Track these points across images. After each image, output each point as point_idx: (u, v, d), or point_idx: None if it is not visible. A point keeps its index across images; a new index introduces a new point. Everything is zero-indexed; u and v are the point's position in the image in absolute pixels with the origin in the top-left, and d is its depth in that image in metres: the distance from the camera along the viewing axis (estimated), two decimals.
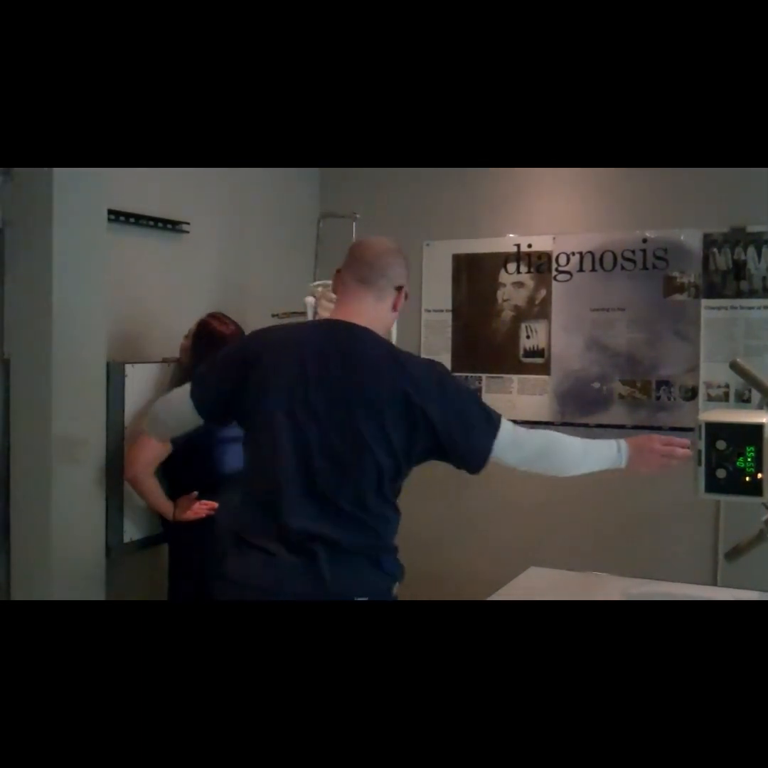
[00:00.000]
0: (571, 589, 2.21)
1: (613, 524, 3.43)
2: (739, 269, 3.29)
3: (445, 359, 3.74)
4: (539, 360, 3.65)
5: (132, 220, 2.96)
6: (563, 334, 3.60)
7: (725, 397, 3.31)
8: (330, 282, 3.01)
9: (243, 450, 1.95)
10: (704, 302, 3.35)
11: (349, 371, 1.80)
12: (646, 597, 2.15)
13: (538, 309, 3.65)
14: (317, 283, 3.07)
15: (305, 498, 1.79)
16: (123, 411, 2.75)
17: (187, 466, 2.66)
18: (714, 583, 3.14)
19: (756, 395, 2.40)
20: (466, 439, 1.84)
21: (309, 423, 1.79)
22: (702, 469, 1.87)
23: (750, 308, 3.27)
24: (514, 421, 1.93)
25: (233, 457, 2.69)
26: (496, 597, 2.10)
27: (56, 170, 2.43)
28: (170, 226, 3.15)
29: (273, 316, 3.22)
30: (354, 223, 3.25)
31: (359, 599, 1.75)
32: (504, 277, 3.71)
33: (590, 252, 3.54)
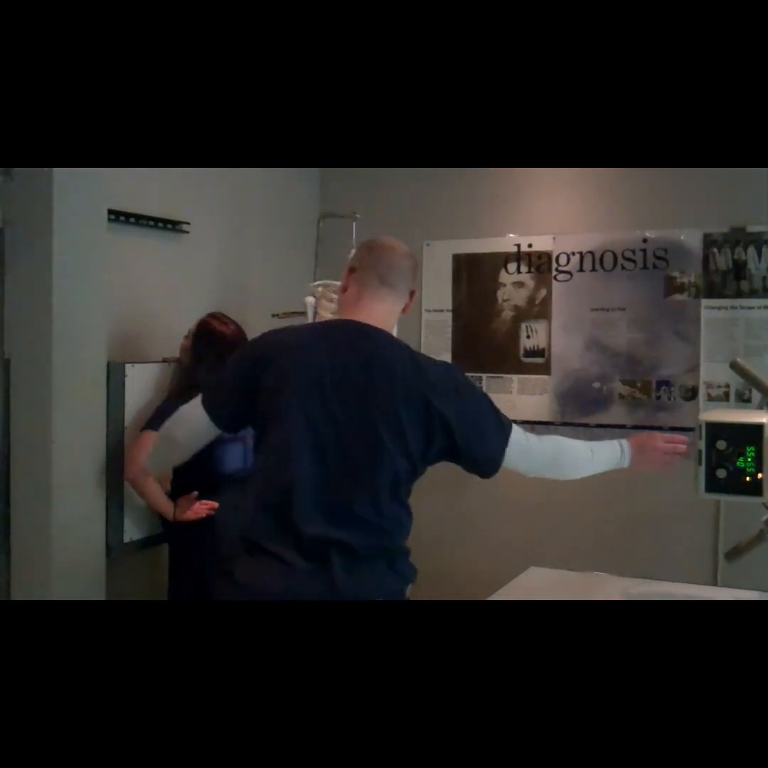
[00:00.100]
0: (571, 589, 2.21)
1: (613, 524, 3.43)
2: (739, 269, 3.29)
3: (445, 359, 3.73)
4: (539, 360, 3.65)
5: (132, 220, 2.96)
6: (563, 334, 3.60)
7: (725, 397, 3.31)
8: (330, 282, 3.03)
9: (255, 453, 1.91)
10: (704, 302, 3.35)
11: (367, 373, 1.76)
12: (646, 597, 2.15)
13: (539, 309, 3.65)
14: (317, 283, 3.07)
15: (320, 502, 1.74)
16: (123, 411, 2.76)
17: (187, 466, 2.64)
18: (714, 583, 3.14)
19: (756, 395, 2.40)
20: (481, 444, 1.82)
21: (325, 425, 1.75)
22: (702, 469, 1.87)
23: (750, 308, 3.27)
24: (515, 421, 1.93)
25: (233, 457, 2.69)
26: (496, 597, 2.10)
27: (56, 170, 2.43)
28: (170, 226, 3.15)
29: (273, 316, 3.23)
30: (354, 223, 3.25)
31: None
32: (504, 277, 3.71)
33: (590, 252, 3.54)
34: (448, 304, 3.80)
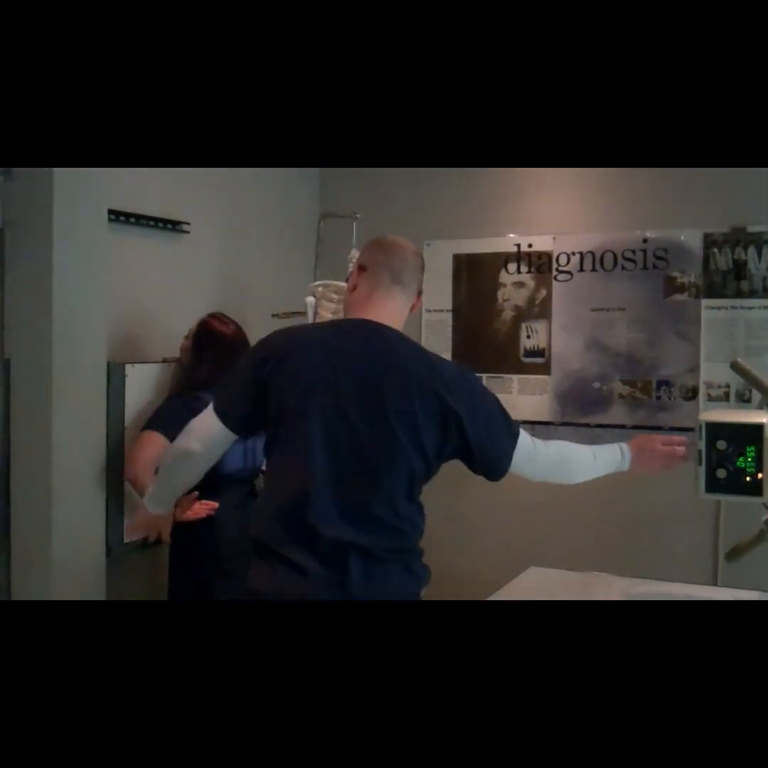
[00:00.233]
0: (571, 589, 2.21)
1: (613, 524, 3.43)
2: (739, 269, 3.29)
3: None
4: (539, 360, 3.64)
5: (132, 220, 2.96)
6: (563, 334, 3.60)
7: (726, 397, 3.31)
8: (330, 282, 3.03)
9: (267, 454, 1.87)
10: (704, 302, 3.35)
11: (382, 372, 1.75)
12: (646, 597, 2.15)
13: (539, 309, 3.65)
14: (317, 283, 3.07)
15: (336, 503, 1.72)
16: (123, 411, 2.76)
17: None
18: (714, 583, 3.14)
19: (756, 395, 2.40)
20: (492, 446, 1.82)
21: (340, 425, 1.73)
22: (702, 469, 1.87)
23: (750, 308, 3.27)
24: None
25: (233, 457, 2.69)
26: (496, 597, 2.10)
27: (56, 170, 2.43)
28: (170, 226, 3.15)
29: (273, 316, 3.23)
30: (354, 223, 3.25)
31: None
32: (504, 277, 3.71)
33: (590, 252, 3.54)
34: (448, 304, 3.80)
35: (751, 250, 3.27)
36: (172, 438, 2.49)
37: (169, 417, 2.62)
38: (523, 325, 3.67)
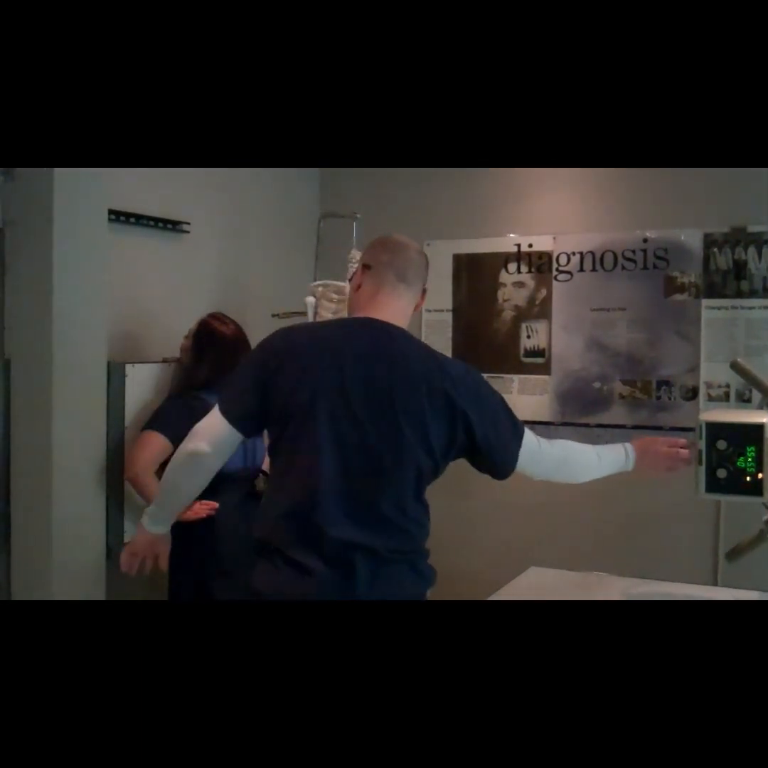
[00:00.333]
0: (571, 589, 2.21)
1: (613, 524, 3.43)
2: (739, 269, 3.29)
3: None
4: (540, 360, 3.64)
5: (132, 220, 2.96)
6: (563, 334, 3.60)
7: (726, 397, 3.31)
8: (330, 282, 3.03)
9: (272, 454, 1.85)
10: (705, 302, 3.35)
11: (389, 370, 1.74)
12: (646, 597, 2.15)
13: (539, 309, 3.65)
14: (317, 283, 3.07)
15: (345, 502, 1.71)
16: (123, 411, 2.76)
17: None
18: (714, 583, 3.14)
19: (756, 395, 2.40)
20: (499, 445, 1.82)
21: (348, 425, 1.72)
22: (702, 469, 1.87)
23: (750, 308, 3.27)
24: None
25: (233, 457, 2.67)
26: (496, 597, 2.10)
27: (56, 170, 2.43)
28: (170, 226, 3.15)
29: (273, 316, 3.22)
30: (354, 223, 3.25)
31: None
32: (504, 277, 3.71)
33: (591, 252, 3.54)
34: (448, 304, 3.80)
35: (751, 250, 3.27)
36: (172, 438, 2.50)
37: (169, 417, 2.62)
38: (523, 325, 3.67)
